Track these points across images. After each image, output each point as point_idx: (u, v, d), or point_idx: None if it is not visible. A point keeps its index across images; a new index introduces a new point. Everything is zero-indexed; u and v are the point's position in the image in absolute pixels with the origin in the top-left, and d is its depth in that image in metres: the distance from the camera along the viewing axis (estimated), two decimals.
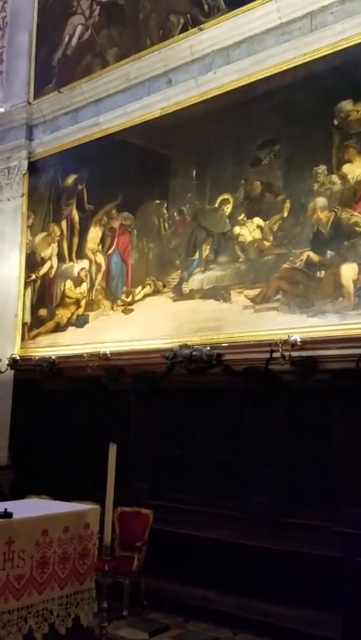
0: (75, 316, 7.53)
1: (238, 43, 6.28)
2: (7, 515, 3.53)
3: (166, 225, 6.76)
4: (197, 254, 6.43)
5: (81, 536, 3.86)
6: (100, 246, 7.42)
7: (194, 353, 5.97)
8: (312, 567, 4.83)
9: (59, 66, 8.26)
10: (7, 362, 7.87)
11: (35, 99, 8.39)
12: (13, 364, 7.85)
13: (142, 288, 6.84)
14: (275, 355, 5.43)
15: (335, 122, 5.52)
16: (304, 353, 5.29)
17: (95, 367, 6.89)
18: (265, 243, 5.89)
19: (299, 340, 5.32)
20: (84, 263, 7.56)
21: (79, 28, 8.06)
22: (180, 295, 6.49)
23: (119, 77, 7.34)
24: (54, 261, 7.93)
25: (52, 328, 7.79)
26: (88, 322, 7.36)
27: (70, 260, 7.75)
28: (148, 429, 6.46)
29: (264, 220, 5.92)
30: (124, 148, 7.25)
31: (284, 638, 4.64)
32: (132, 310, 6.92)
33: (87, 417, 7.00)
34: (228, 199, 6.25)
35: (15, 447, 7.69)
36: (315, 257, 5.51)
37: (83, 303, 7.47)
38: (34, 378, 7.60)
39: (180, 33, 6.80)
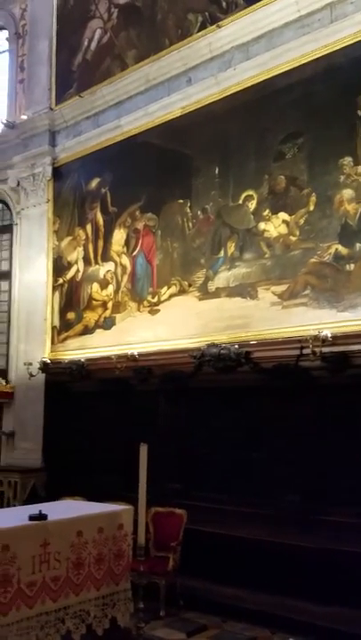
0: (102, 319, 7.59)
1: (257, 38, 6.24)
2: (42, 516, 3.55)
3: (190, 224, 6.75)
4: (222, 252, 6.40)
5: (115, 537, 3.88)
6: (125, 248, 7.45)
7: (222, 351, 5.95)
8: (344, 564, 4.77)
9: (79, 70, 8.33)
10: (38, 366, 7.98)
11: (56, 104, 8.48)
12: (44, 367, 7.96)
13: (168, 288, 6.85)
14: (305, 351, 5.37)
15: (359, 112, 5.44)
16: (335, 348, 5.22)
17: (123, 368, 6.93)
18: (291, 237, 5.83)
19: (330, 335, 5.24)
20: (110, 265, 7.60)
21: (98, 32, 8.11)
22: (205, 294, 6.47)
23: (139, 79, 7.37)
24: (80, 265, 8.00)
25: (80, 331, 7.86)
26: (115, 324, 7.41)
27: (96, 262, 7.80)
28: (177, 429, 6.46)
29: (290, 215, 5.87)
30: (146, 150, 7.26)
31: (320, 637, 4.56)
32: (158, 311, 6.93)
33: (116, 418, 7.03)
34: (251, 195, 6.21)
35: (47, 449, 7.81)
36: (343, 250, 5.43)
37: (109, 305, 7.51)
38: (64, 380, 7.67)
39: (199, 31, 6.79)
